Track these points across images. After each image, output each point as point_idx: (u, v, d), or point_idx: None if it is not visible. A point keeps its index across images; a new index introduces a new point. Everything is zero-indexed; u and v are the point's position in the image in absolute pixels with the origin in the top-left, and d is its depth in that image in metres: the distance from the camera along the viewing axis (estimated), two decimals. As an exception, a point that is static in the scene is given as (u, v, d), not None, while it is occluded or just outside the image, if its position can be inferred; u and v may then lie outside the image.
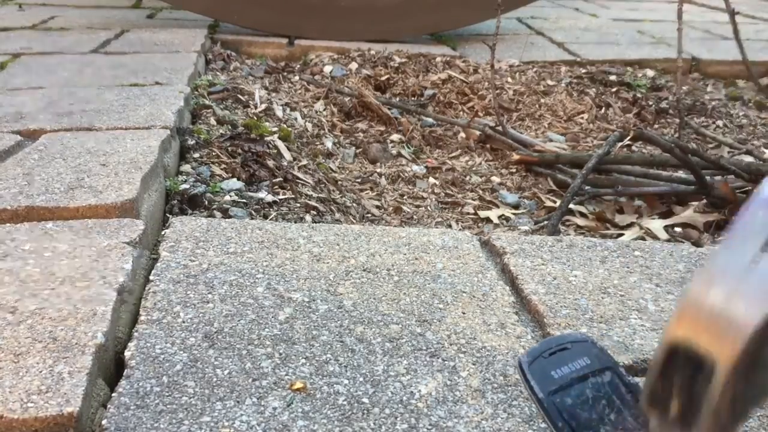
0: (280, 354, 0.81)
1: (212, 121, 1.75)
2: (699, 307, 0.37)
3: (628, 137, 1.78)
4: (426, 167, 1.83)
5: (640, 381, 0.73)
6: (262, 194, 1.39)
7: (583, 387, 0.59)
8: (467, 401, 0.74)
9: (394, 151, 1.91)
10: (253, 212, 1.31)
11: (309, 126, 1.93)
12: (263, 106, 1.95)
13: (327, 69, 2.43)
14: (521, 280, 1.01)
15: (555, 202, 1.60)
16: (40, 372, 0.72)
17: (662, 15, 3.85)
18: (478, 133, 1.97)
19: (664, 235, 1.42)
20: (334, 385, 0.76)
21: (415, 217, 1.56)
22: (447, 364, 0.81)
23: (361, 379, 0.77)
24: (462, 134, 2.01)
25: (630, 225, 1.48)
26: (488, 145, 1.95)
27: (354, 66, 2.45)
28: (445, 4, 2.82)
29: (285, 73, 2.45)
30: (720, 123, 2.23)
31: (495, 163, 1.87)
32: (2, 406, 0.67)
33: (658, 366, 0.39)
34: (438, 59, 2.52)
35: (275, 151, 1.62)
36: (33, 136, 1.46)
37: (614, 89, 2.35)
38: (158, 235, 1.15)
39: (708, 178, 1.54)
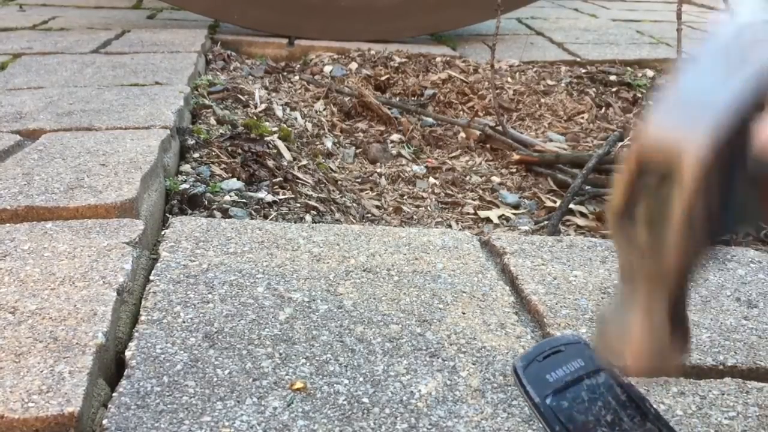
0: (281, 354, 0.81)
1: (212, 120, 1.75)
2: (666, 115, 0.37)
3: (629, 137, 1.78)
4: (426, 167, 1.83)
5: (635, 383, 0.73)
6: (262, 194, 1.39)
7: (578, 389, 0.59)
8: (467, 401, 0.75)
9: (394, 151, 1.91)
10: (253, 212, 1.31)
11: (309, 126, 1.93)
12: (263, 105, 1.95)
13: (327, 69, 2.43)
14: (521, 280, 1.01)
15: (555, 202, 1.60)
16: (41, 372, 0.72)
17: (661, 15, 3.85)
18: (478, 133, 1.97)
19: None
20: (335, 385, 0.76)
21: (415, 217, 1.56)
22: (447, 364, 0.81)
23: (361, 379, 0.77)
24: (462, 134, 2.01)
25: (630, 225, 1.47)
26: (488, 145, 1.95)
27: (354, 66, 2.45)
28: (445, 4, 2.82)
29: (285, 73, 2.45)
30: (720, 123, 2.23)
31: (495, 163, 1.87)
32: (3, 405, 0.67)
33: (626, 178, 0.38)
34: (438, 59, 2.52)
35: (275, 151, 1.62)
36: (33, 135, 1.46)
37: (614, 89, 2.35)
38: (158, 235, 1.15)
39: (708, 178, 1.54)
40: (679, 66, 0.40)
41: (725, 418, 0.72)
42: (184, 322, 0.86)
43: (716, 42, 0.39)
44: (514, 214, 1.57)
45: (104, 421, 0.69)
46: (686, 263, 0.38)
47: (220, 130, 1.67)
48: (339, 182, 1.66)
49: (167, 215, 1.25)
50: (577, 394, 0.59)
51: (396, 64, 2.45)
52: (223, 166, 1.48)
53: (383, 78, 2.35)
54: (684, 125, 0.36)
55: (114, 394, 0.73)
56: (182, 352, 0.80)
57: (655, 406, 0.61)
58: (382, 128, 2.05)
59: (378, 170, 1.79)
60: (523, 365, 0.59)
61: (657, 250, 0.37)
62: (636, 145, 0.38)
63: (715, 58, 0.38)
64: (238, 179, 1.43)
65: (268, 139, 1.66)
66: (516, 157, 1.80)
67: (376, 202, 1.62)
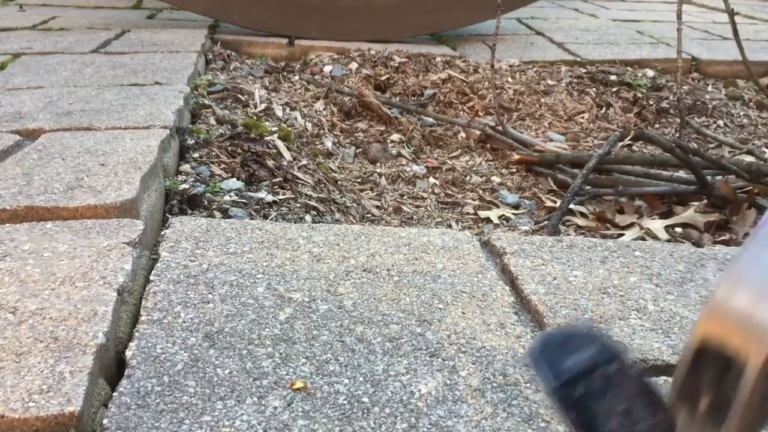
0: (281, 354, 0.81)
1: (212, 120, 1.75)
2: (727, 308, 0.37)
3: (629, 137, 1.78)
4: (426, 167, 1.83)
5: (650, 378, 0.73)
6: (261, 194, 1.39)
7: (592, 377, 0.59)
8: (467, 401, 0.75)
9: (394, 151, 1.91)
10: (252, 212, 1.31)
11: (309, 126, 1.93)
12: (263, 105, 1.95)
13: (327, 69, 2.43)
14: (521, 280, 1.01)
15: (555, 202, 1.60)
16: (42, 372, 0.72)
17: (661, 15, 3.85)
18: (478, 132, 1.97)
19: (664, 236, 1.42)
20: (335, 385, 0.76)
21: (415, 217, 1.56)
22: (447, 363, 0.81)
23: (361, 379, 0.77)
24: (462, 134, 2.02)
25: (630, 225, 1.48)
26: (488, 145, 1.95)
27: (354, 66, 2.45)
28: (445, 4, 2.82)
29: (285, 73, 2.45)
30: (721, 123, 2.23)
31: (495, 163, 1.87)
32: (4, 405, 0.67)
33: (688, 363, 0.39)
34: (438, 59, 2.52)
35: (275, 150, 1.62)
36: (32, 135, 1.46)
37: (614, 89, 2.35)
38: (158, 235, 1.15)
39: (709, 178, 1.54)
40: (747, 239, 0.39)
41: (725, 417, 0.72)
42: (184, 322, 0.86)
43: None
44: (514, 214, 1.57)
45: (105, 421, 0.69)
46: None
47: (220, 130, 1.68)
48: (339, 182, 1.67)
49: (167, 215, 1.25)
50: (591, 381, 0.59)
51: (396, 64, 2.45)
52: (222, 166, 1.48)
53: (383, 78, 2.35)
54: (752, 315, 0.36)
55: (114, 394, 0.73)
56: (182, 351, 0.80)
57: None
58: (382, 128, 2.05)
59: (378, 170, 1.79)
60: (540, 349, 0.59)
61: None
62: (700, 325, 0.38)
63: None
64: (238, 179, 1.43)
65: (268, 139, 1.66)
66: (516, 157, 1.80)
67: (376, 202, 1.62)
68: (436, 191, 1.69)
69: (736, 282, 0.38)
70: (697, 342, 0.39)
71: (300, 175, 1.55)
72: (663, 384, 0.78)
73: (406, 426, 0.71)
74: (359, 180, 1.73)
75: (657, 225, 1.45)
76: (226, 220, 1.19)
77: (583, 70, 2.52)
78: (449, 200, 1.65)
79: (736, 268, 0.39)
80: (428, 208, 1.61)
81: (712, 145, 2.02)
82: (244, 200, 1.34)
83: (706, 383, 0.39)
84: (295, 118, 1.94)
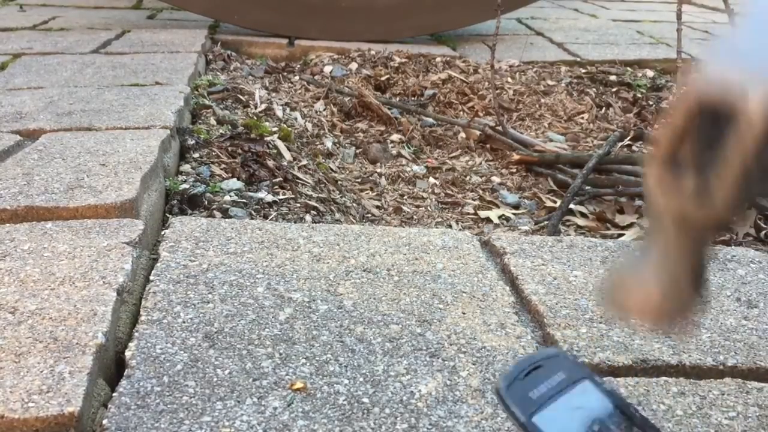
0: (281, 354, 0.81)
1: (212, 121, 1.75)
2: (728, 53, 0.35)
3: (629, 137, 1.78)
4: (426, 167, 1.83)
5: (615, 385, 0.73)
6: (262, 194, 1.39)
7: (562, 402, 0.59)
8: (467, 401, 0.75)
9: (394, 151, 1.91)
10: (253, 212, 1.31)
11: (309, 126, 1.93)
12: (263, 106, 1.95)
13: (327, 69, 2.43)
14: (521, 280, 1.01)
15: (555, 202, 1.60)
16: (41, 372, 0.72)
17: (661, 15, 3.85)
18: (478, 133, 1.97)
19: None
20: (335, 385, 0.76)
21: (415, 217, 1.56)
22: (447, 364, 0.81)
23: (361, 379, 0.77)
24: (462, 134, 2.01)
25: (630, 225, 1.48)
26: (488, 145, 1.95)
27: (354, 66, 2.45)
28: (444, 5, 2.82)
29: (285, 73, 2.45)
30: (720, 123, 2.23)
31: (495, 163, 1.87)
32: (3, 405, 0.67)
33: (679, 121, 0.36)
34: (438, 59, 2.52)
35: (275, 151, 1.62)
36: (33, 135, 1.46)
37: (614, 89, 2.35)
38: (158, 235, 1.15)
39: (708, 178, 1.54)
40: (734, 18, 0.39)
41: (725, 418, 0.72)
42: (184, 322, 0.86)
43: None
44: (514, 214, 1.57)
45: (104, 421, 0.69)
46: (730, 213, 0.36)
47: (220, 130, 1.67)
48: (339, 182, 1.66)
49: (167, 215, 1.25)
50: (562, 407, 0.59)
51: (396, 65, 2.45)
52: (223, 166, 1.48)
53: (383, 78, 2.35)
54: (749, 69, 0.34)
55: (114, 394, 0.73)
56: (182, 352, 0.80)
57: (640, 409, 0.61)
58: (382, 128, 2.05)
59: (378, 170, 1.79)
60: (506, 385, 0.59)
61: (703, 197, 0.36)
62: (692, 87, 0.36)
63: None
64: (238, 179, 1.43)
65: (268, 139, 1.66)
66: (516, 157, 1.80)
67: (376, 202, 1.62)
68: (436, 191, 1.69)
69: (729, 50, 0.36)
70: (692, 94, 0.36)
71: (300, 175, 1.55)
72: (663, 384, 0.78)
73: (406, 426, 0.71)
74: (359, 180, 1.73)
75: (657, 225, 1.45)
76: (226, 220, 1.19)
77: (583, 71, 2.52)
78: (449, 200, 1.65)
79: (729, 38, 0.37)
80: (428, 208, 1.61)
81: None
82: (244, 200, 1.34)
83: (698, 142, 0.36)
84: (296, 119, 1.94)
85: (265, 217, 1.31)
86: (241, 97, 1.98)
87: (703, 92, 0.35)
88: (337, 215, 1.46)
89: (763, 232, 1.42)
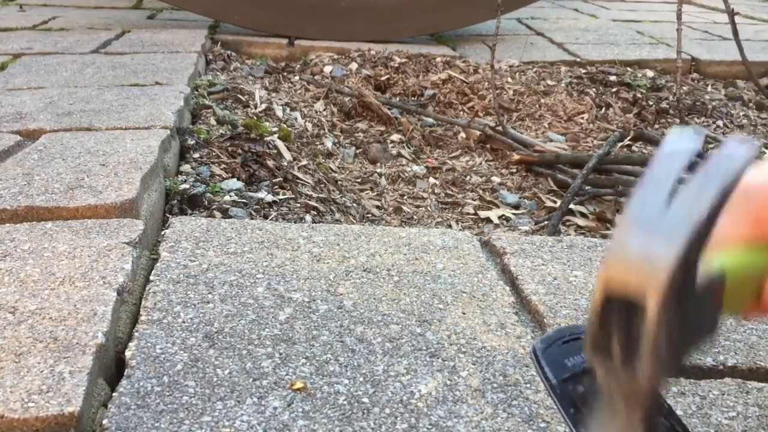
0: (281, 354, 0.81)
1: (212, 121, 1.75)
2: (623, 254, 0.40)
3: (629, 137, 1.78)
4: (426, 167, 1.83)
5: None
6: (262, 194, 1.39)
7: (594, 377, 0.59)
8: (467, 401, 0.75)
9: (394, 151, 1.91)
10: (253, 212, 1.31)
11: (309, 126, 1.93)
12: (263, 106, 1.95)
13: (327, 69, 2.43)
14: (521, 280, 1.01)
15: (555, 202, 1.60)
16: (41, 372, 0.72)
17: (661, 16, 3.85)
18: (478, 133, 1.97)
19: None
20: (335, 385, 0.76)
21: (415, 217, 1.56)
22: (447, 364, 0.81)
23: (361, 379, 0.77)
24: (462, 134, 2.02)
25: (630, 225, 1.47)
26: (488, 145, 1.95)
27: (354, 66, 2.45)
28: (445, 5, 2.82)
29: (285, 74, 2.45)
30: (720, 123, 2.23)
31: (495, 163, 1.87)
32: (3, 405, 0.67)
33: (596, 315, 0.41)
34: (438, 59, 2.52)
35: (275, 151, 1.62)
36: (33, 136, 1.46)
37: (614, 89, 2.35)
38: (158, 235, 1.15)
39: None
40: (637, 186, 0.42)
41: (725, 418, 0.72)
42: (184, 322, 0.86)
43: (662, 160, 0.42)
44: (514, 214, 1.57)
45: (104, 421, 0.69)
46: (657, 384, 0.42)
47: (220, 131, 1.68)
48: (339, 182, 1.67)
49: (167, 215, 1.25)
50: (593, 381, 0.59)
51: (396, 65, 2.45)
52: (223, 166, 1.48)
53: (383, 78, 2.35)
54: (644, 255, 0.39)
55: (114, 394, 0.73)
56: (182, 352, 0.80)
57: (669, 402, 0.61)
58: (382, 128, 2.05)
59: (378, 170, 1.79)
60: (543, 347, 0.59)
61: (631, 377, 0.41)
62: (602, 276, 0.40)
63: (660, 179, 0.41)
64: (238, 179, 1.43)
65: (268, 139, 1.66)
66: (516, 157, 1.80)
67: (376, 202, 1.62)
68: (436, 191, 1.69)
69: (627, 229, 0.40)
70: (601, 291, 0.40)
71: (300, 175, 1.55)
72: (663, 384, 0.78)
73: (406, 426, 0.71)
74: (359, 180, 1.73)
75: (657, 225, 1.45)
76: (226, 220, 1.19)
77: (583, 71, 2.52)
78: (449, 200, 1.65)
79: (626, 216, 0.40)
80: (428, 208, 1.61)
81: (711, 146, 2.02)
82: (244, 200, 1.34)
83: (616, 329, 0.41)
84: (295, 119, 1.94)
85: (265, 217, 1.31)
86: (241, 97, 1.98)
87: (610, 282, 0.40)
88: (337, 215, 1.46)
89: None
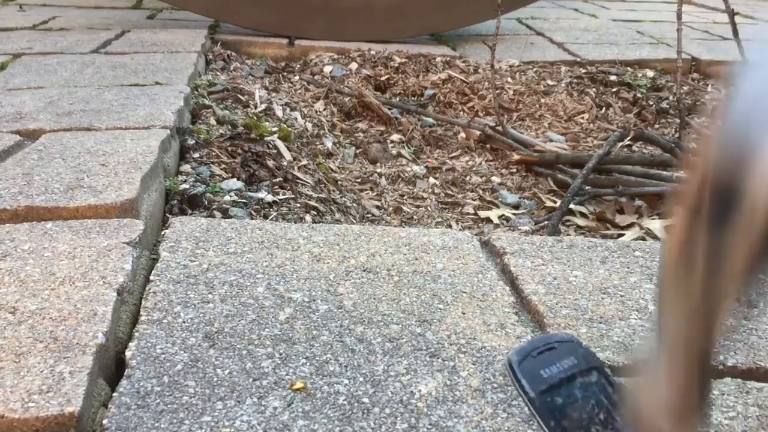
0: (281, 354, 0.81)
1: (212, 121, 1.75)
2: (728, 141, 0.33)
3: (629, 137, 1.78)
4: (426, 167, 1.83)
5: (626, 380, 0.73)
6: (262, 194, 1.39)
7: (572, 387, 0.59)
8: (467, 401, 0.75)
9: (394, 151, 1.91)
10: (253, 212, 1.31)
11: (309, 126, 1.93)
12: (263, 106, 1.95)
13: (327, 69, 2.43)
14: (521, 280, 1.01)
15: (555, 202, 1.60)
16: (41, 372, 0.72)
17: (661, 15, 3.85)
18: (478, 133, 1.97)
19: (664, 236, 1.42)
20: (335, 385, 0.76)
21: (415, 217, 1.56)
22: (447, 364, 0.81)
23: (361, 379, 0.77)
24: (462, 134, 2.01)
25: (630, 225, 1.48)
26: (488, 145, 1.95)
27: (354, 66, 2.45)
28: (445, 5, 2.82)
29: (285, 73, 2.45)
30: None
31: (495, 163, 1.87)
32: (3, 405, 0.67)
33: (689, 208, 0.35)
34: (438, 59, 2.52)
35: (275, 151, 1.62)
36: (33, 136, 1.46)
37: (614, 89, 2.35)
38: (158, 235, 1.15)
39: (708, 178, 1.54)
40: (738, 74, 0.35)
41: (725, 418, 0.72)
42: (184, 322, 0.86)
43: None
44: (514, 214, 1.57)
45: (104, 421, 0.69)
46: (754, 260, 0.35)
47: (220, 130, 1.67)
48: (339, 182, 1.66)
49: (167, 215, 1.25)
50: (570, 391, 0.59)
51: (396, 65, 2.45)
52: (223, 166, 1.48)
53: (383, 78, 2.35)
54: (752, 143, 0.32)
55: (114, 394, 0.73)
56: (182, 352, 0.80)
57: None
58: (382, 128, 2.05)
59: (378, 170, 1.79)
60: (518, 359, 0.59)
61: (711, 295, 0.34)
62: (696, 172, 0.34)
63: None
64: (238, 179, 1.43)
65: (268, 139, 1.66)
66: (516, 157, 1.80)
67: (376, 202, 1.62)
68: (436, 191, 1.69)
69: (733, 118, 0.34)
70: (695, 188, 0.35)
71: (300, 175, 1.55)
72: (663, 384, 0.78)
73: (406, 426, 0.71)
74: (359, 180, 1.73)
75: (657, 225, 1.45)
76: (226, 220, 1.19)
77: (583, 71, 2.52)
78: (449, 200, 1.65)
79: (733, 101, 0.34)
80: (428, 208, 1.61)
81: None
82: (244, 200, 1.34)
83: (708, 234, 0.35)
84: (295, 119, 1.94)
85: (265, 217, 1.31)
86: (241, 97, 1.98)
87: (705, 176, 0.34)
88: (337, 215, 1.46)
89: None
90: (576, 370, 0.60)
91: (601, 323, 0.89)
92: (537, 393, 0.57)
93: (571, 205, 1.52)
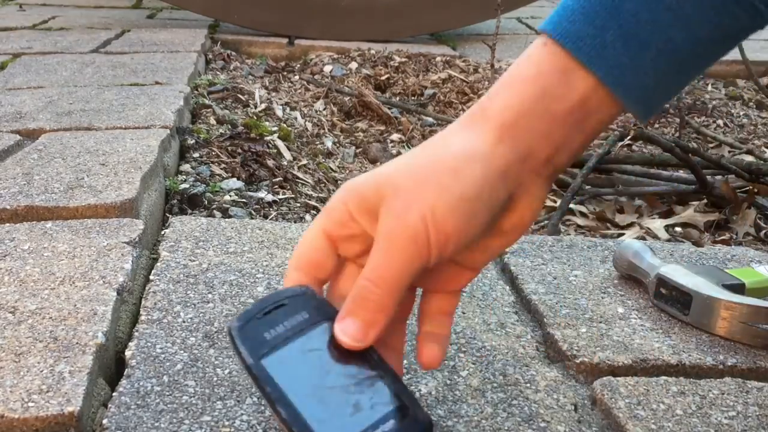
0: (281, 353, 0.81)
1: (212, 120, 1.75)
2: None
3: (629, 136, 1.78)
4: (426, 167, 1.83)
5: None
6: (261, 194, 1.39)
7: (299, 344, 0.54)
8: (467, 401, 0.75)
9: (394, 151, 1.91)
10: (252, 212, 1.31)
11: (309, 125, 1.93)
12: (263, 105, 1.95)
13: (327, 68, 2.44)
14: (521, 279, 1.01)
15: (555, 201, 1.60)
16: (41, 371, 0.72)
17: (662, 15, 3.84)
18: (478, 132, 1.97)
19: (664, 235, 1.42)
20: (335, 385, 0.76)
21: (415, 216, 1.56)
22: (447, 363, 0.81)
23: (361, 379, 0.77)
24: (462, 134, 2.01)
25: (630, 225, 1.48)
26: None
27: (354, 65, 2.45)
28: (445, 4, 2.82)
29: (285, 73, 2.45)
30: (720, 122, 2.23)
31: (495, 162, 1.87)
32: (3, 405, 0.67)
33: None
34: (438, 59, 2.52)
35: (275, 150, 1.62)
36: (32, 135, 1.46)
37: (614, 89, 2.35)
38: (158, 234, 1.15)
39: (709, 177, 1.54)
40: None
41: (725, 417, 0.72)
42: (184, 321, 0.86)
43: None
44: (514, 213, 1.57)
45: (104, 421, 0.69)
46: None
47: (220, 130, 1.68)
48: (339, 182, 1.66)
49: (167, 215, 1.25)
50: (297, 349, 0.54)
51: (396, 64, 2.45)
52: (223, 165, 1.48)
53: (383, 78, 2.35)
54: None
55: (114, 394, 0.73)
56: (182, 351, 0.80)
57: (379, 352, 0.57)
58: (382, 128, 2.05)
59: (378, 170, 1.79)
60: (239, 325, 0.54)
61: None
62: None
63: None
64: (238, 179, 1.43)
65: (268, 138, 1.66)
66: (516, 156, 1.79)
67: (376, 202, 1.62)
68: (436, 191, 1.69)
69: None
70: None
71: (300, 174, 1.55)
72: (663, 384, 0.78)
73: (406, 426, 0.71)
74: (359, 180, 1.72)
75: (657, 225, 1.45)
76: (226, 219, 1.19)
77: (583, 70, 2.52)
78: (449, 200, 1.64)
79: None
80: (428, 207, 1.61)
81: (711, 145, 2.02)
82: (244, 200, 1.34)
83: None
84: (295, 118, 1.94)
85: (265, 216, 1.31)
86: (241, 96, 1.98)
87: None
88: (337, 215, 1.45)
89: (763, 231, 1.42)
90: (306, 324, 0.56)
91: (601, 323, 0.89)
92: (255, 358, 0.52)
93: (571, 205, 1.52)
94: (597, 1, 0.53)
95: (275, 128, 1.76)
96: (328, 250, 0.60)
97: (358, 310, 0.55)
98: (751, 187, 1.53)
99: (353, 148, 1.92)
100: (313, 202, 1.43)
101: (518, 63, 0.59)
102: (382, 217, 0.55)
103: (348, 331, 0.55)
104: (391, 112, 2.08)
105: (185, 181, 1.37)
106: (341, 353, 0.55)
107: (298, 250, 0.61)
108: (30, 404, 0.67)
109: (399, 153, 1.90)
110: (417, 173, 0.55)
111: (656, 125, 2.16)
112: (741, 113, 2.31)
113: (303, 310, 0.56)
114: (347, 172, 1.76)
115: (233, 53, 2.59)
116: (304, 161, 1.64)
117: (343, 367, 0.54)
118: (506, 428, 0.71)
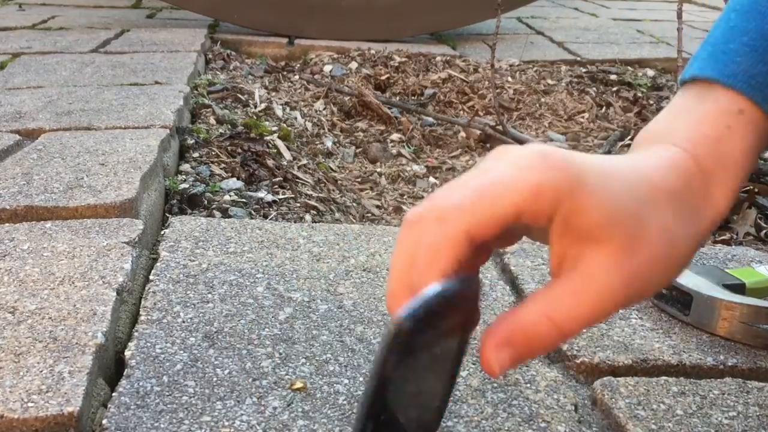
0: (280, 354, 0.81)
1: (212, 120, 1.75)
2: None
3: (629, 136, 1.78)
4: (426, 167, 1.83)
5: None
6: (261, 194, 1.39)
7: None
8: (467, 401, 0.74)
9: (394, 151, 1.91)
10: (252, 212, 1.31)
11: (309, 125, 1.93)
12: (263, 105, 1.95)
13: (327, 68, 2.43)
14: (521, 279, 1.01)
15: (555, 201, 1.60)
16: (41, 372, 0.72)
17: (662, 14, 3.85)
18: (478, 132, 1.97)
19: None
20: (335, 385, 0.76)
21: (415, 216, 1.56)
22: (447, 363, 0.81)
23: (361, 379, 0.77)
24: (462, 133, 2.01)
25: (630, 224, 1.47)
26: (489, 145, 1.95)
27: (354, 65, 2.45)
28: (445, 4, 2.82)
29: (285, 73, 2.45)
30: (720, 122, 2.23)
31: (495, 162, 1.87)
32: (3, 405, 0.67)
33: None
34: (438, 58, 2.52)
35: (275, 150, 1.62)
36: (32, 135, 1.46)
37: (615, 88, 2.35)
38: (158, 234, 1.15)
39: (708, 177, 1.54)
40: None
41: (725, 417, 0.72)
42: (183, 321, 0.85)
43: None
44: (514, 213, 1.57)
45: (104, 421, 0.69)
46: None
47: (220, 130, 1.67)
48: (339, 182, 1.66)
49: (167, 215, 1.25)
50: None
51: (396, 64, 2.45)
52: (222, 165, 1.48)
53: (383, 77, 2.35)
54: None
55: (114, 394, 0.72)
56: (182, 351, 0.80)
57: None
58: (382, 128, 2.05)
59: (378, 170, 1.79)
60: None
61: None
62: None
63: None
64: (238, 179, 1.43)
65: (267, 138, 1.66)
66: (516, 156, 1.79)
67: (376, 202, 1.62)
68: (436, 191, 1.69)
69: None
70: None
71: (300, 174, 1.55)
72: (664, 384, 0.77)
73: (406, 426, 0.70)
74: (359, 180, 1.72)
75: (657, 224, 1.45)
76: (226, 219, 1.19)
77: (584, 70, 2.52)
78: (449, 200, 1.64)
79: None
80: (428, 207, 1.60)
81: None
82: (243, 200, 1.34)
83: None
84: (295, 118, 1.94)
85: (265, 216, 1.31)
86: (240, 96, 1.98)
87: None
88: (337, 215, 1.45)
89: (763, 231, 1.42)
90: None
91: (601, 323, 0.89)
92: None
93: (571, 205, 1.51)
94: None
95: (275, 128, 1.75)
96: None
97: (523, 347, 0.46)
98: (751, 187, 1.53)
99: (353, 147, 1.92)
100: (312, 202, 1.43)
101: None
102: (600, 261, 0.45)
103: (504, 364, 0.47)
104: (391, 112, 2.08)
105: (185, 181, 1.37)
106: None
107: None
108: (30, 404, 0.67)
109: (399, 153, 1.90)
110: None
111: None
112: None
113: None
114: (347, 171, 1.76)
115: (233, 53, 2.59)
116: (304, 161, 1.64)
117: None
118: (506, 428, 0.71)
